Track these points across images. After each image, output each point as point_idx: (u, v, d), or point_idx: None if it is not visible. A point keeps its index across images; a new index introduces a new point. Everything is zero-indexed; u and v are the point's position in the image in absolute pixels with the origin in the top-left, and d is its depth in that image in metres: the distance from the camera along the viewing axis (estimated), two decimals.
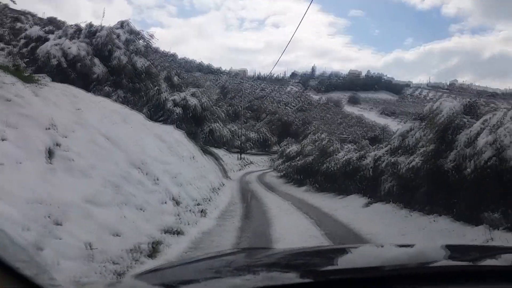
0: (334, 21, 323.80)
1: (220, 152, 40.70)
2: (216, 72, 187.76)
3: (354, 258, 1.35)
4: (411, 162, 9.57)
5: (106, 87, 13.22)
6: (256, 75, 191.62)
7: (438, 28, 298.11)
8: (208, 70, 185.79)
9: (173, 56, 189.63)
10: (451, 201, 7.88)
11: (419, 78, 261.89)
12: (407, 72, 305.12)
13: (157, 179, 7.07)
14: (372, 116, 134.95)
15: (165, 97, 17.62)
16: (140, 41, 13.76)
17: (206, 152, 25.63)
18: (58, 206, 4.25)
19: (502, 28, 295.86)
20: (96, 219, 4.67)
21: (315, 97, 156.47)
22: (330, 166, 16.10)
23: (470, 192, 7.13)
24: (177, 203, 7.25)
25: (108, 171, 5.98)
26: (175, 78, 19.35)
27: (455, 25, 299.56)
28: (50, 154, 5.16)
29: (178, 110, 17.41)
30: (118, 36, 12.58)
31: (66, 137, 5.93)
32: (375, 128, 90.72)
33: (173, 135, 12.48)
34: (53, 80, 9.30)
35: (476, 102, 9.84)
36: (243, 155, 53.29)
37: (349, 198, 13.87)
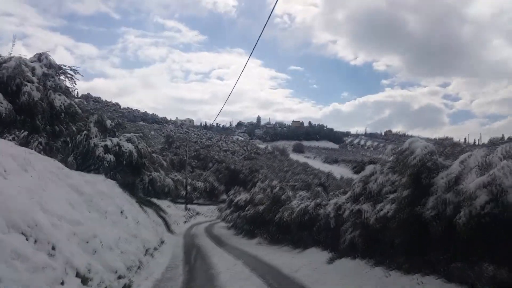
0: (276, 75, 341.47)
1: (164, 204, 37.70)
2: (162, 121, 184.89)
3: None
4: (380, 211, 8.25)
5: (16, 131, 10.88)
6: (202, 124, 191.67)
7: (371, 83, 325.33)
8: (153, 120, 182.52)
9: (116, 105, 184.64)
10: (438, 257, 6.51)
11: (356, 129, 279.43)
12: (345, 123, 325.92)
13: (53, 248, 4.94)
14: (317, 164, 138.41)
15: (94, 143, 15.33)
16: (62, 76, 11.72)
17: (145, 204, 22.99)
18: None
19: (427, 83, 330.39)
20: None
21: (261, 146, 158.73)
22: (283, 216, 14.47)
23: (464, 246, 5.80)
24: (85, 280, 5.12)
25: None
26: (108, 122, 17.14)
27: (386, 80, 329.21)
28: None
29: (109, 157, 15.11)
30: (33, 69, 10.53)
31: None
32: (320, 175, 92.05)
33: (97, 186, 10.24)
34: None
35: (444, 142, 8.91)
36: (189, 206, 50.28)
37: (307, 252, 12.18)
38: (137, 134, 18.31)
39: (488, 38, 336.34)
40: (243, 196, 26.40)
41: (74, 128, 13.46)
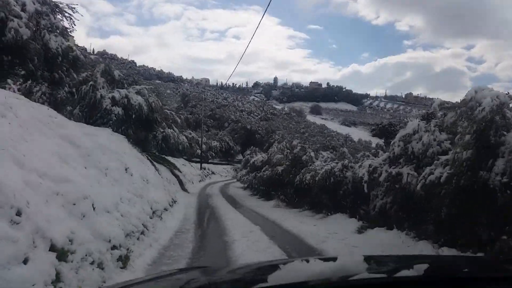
0: (294, 35, 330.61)
1: (178, 162, 37.01)
2: (177, 80, 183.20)
3: (284, 274, 1.37)
4: (429, 175, 6.84)
5: (19, 79, 9.65)
6: (218, 84, 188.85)
7: (392, 44, 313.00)
8: (168, 79, 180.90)
9: (132, 63, 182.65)
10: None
11: (376, 91, 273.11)
12: (364, 85, 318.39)
13: (18, 213, 3.77)
14: (334, 126, 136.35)
15: (101, 94, 14.11)
16: (59, 15, 10.25)
17: (159, 161, 22.11)
18: None
19: (450, 45, 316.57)
20: None
21: (278, 107, 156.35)
22: (305, 178, 13.22)
23: None
24: (62, 254, 3.98)
25: None
26: (116, 73, 15.78)
27: (408, 41, 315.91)
28: None
29: (117, 110, 13.92)
30: (23, 5, 9.11)
31: None
32: (339, 137, 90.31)
33: (99, 139, 9.07)
34: None
35: None
36: (205, 165, 49.72)
37: (331, 218, 11.01)
38: (147, 87, 16.97)
39: None
40: (259, 157, 25.26)
41: (76, 77, 12.16)
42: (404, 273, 1.27)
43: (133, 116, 14.31)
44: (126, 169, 8.93)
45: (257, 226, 10.03)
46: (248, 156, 33.67)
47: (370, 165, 9.10)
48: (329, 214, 11.41)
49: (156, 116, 16.41)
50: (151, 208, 8.91)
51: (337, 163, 11.73)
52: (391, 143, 8.92)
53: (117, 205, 6.55)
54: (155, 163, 19.28)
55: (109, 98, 14.15)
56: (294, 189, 15.10)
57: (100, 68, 15.42)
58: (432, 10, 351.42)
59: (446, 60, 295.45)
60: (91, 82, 14.59)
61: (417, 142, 8.27)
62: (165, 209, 10.68)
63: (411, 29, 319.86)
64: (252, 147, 40.74)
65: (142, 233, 6.99)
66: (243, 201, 19.36)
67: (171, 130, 21.32)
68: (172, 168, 24.67)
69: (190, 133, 24.52)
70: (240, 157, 67.37)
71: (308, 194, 13.57)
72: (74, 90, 14.02)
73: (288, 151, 16.36)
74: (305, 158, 14.57)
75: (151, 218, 8.45)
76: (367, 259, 1.45)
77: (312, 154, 14.74)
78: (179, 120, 23.67)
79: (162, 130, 21.07)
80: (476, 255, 5.43)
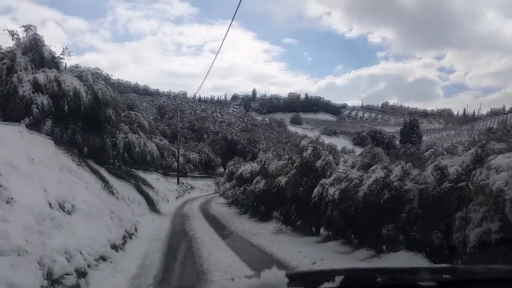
0: (270, 48, 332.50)
1: (150, 177, 31.88)
2: (154, 94, 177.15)
3: None
4: None
5: None
6: (197, 97, 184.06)
7: (366, 55, 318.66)
8: (144, 92, 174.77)
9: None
10: None
11: (352, 101, 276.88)
12: (340, 96, 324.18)
13: None
14: (316, 136, 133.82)
15: (18, 77, 9.40)
16: None
17: (121, 177, 17.23)
18: None
19: (421, 56, 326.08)
20: None
21: (258, 118, 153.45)
22: (327, 194, 8.70)
23: None
24: None
25: None
26: (46, 50, 11.03)
27: (381, 52, 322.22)
28: None
29: (41, 99, 9.22)
30: None
31: None
32: (324, 147, 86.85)
33: None
34: None
35: None
36: (183, 179, 44.64)
37: (393, 257, 6.50)
38: (97, 72, 12.18)
39: (480, 10, 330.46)
40: (247, 167, 20.66)
41: None
42: (324, 285, 1.37)
43: (66, 107, 9.55)
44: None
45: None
46: (232, 167, 28.96)
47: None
48: (384, 250, 6.88)
49: (109, 113, 11.66)
50: (80, 258, 4.18)
51: (388, 170, 7.26)
52: None
53: None
54: (112, 178, 14.47)
55: (29, 81, 9.38)
56: (303, 207, 10.67)
57: (22, 43, 10.63)
58: (402, 22, 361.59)
59: (418, 70, 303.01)
60: (6, 61, 9.81)
61: None
62: (103, 258, 5.92)
63: (383, 40, 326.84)
64: (235, 157, 36.17)
65: None
66: (232, 224, 14.70)
67: (136, 136, 16.57)
68: (139, 183, 19.78)
69: (162, 140, 19.68)
70: (221, 169, 62.54)
71: (324, 214, 9.08)
72: None
73: (296, 157, 11.86)
74: (320, 163, 10.10)
75: (76, 276, 3.75)
76: (288, 275, 1.47)
77: (331, 157, 10.29)
78: (146, 124, 18.82)
79: (124, 136, 16.29)
80: None
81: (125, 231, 8.72)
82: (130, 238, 8.80)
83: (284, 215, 12.62)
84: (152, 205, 18.42)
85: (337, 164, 10.39)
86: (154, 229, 11.97)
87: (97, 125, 11.56)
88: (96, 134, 11.55)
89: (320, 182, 9.30)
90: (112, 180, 14.32)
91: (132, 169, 23.81)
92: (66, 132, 10.63)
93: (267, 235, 11.38)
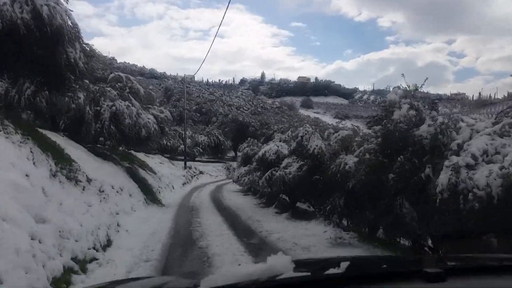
0: (277, 32, 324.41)
1: (153, 160, 27.71)
2: (161, 77, 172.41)
3: (217, 278, 1.39)
4: None
5: None
6: (204, 81, 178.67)
7: (375, 40, 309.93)
8: (151, 75, 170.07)
9: (112, 59, 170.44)
10: None
11: (362, 86, 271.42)
12: (349, 80, 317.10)
13: None
14: (327, 119, 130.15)
15: None
16: None
17: (105, 157, 12.97)
18: None
19: (431, 40, 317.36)
20: None
21: (268, 101, 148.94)
22: (471, 185, 4.34)
23: None
24: None
25: None
26: None
27: (390, 37, 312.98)
28: None
29: None
30: None
31: None
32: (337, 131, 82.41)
33: None
34: None
35: None
36: (191, 163, 40.44)
37: None
38: None
39: None
40: (272, 146, 16.18)
41: None
42: (328, 271, 1.35)
43: None
44: None
45: None
46: (248, 149, 24.48)
47: None
48: None
49: (73, 55, 7.25)
50: None
51: None
52: None
53: None
54: (92, 159, 10.27)
55: None
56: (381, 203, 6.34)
57: None
58: (412, 6, 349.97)
59: (428, 54, 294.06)
60: None
61: None
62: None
63: (393, 25, 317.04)
64: (249, 139, 31.80)
65: None
66: (259, 224, 10.42)
67: (127, 103, 12.24)
68: (135, 167, 15.51)
69: (162, 112, 15.30)
70: (231, 153, 58.39)
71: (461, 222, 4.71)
72: None
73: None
74: (427, 131, 5.68)
75: None
76: (294, 261, 1.45)
77: (446, 120, 5.85)
78: (142, 90, 14.40)
79: (111, 103, 11.99)
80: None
81: (101, 241, 4.42)
82: (106, 249, 4.52)
83: (334, 212, 8.22)
84: (150, 195, 14.22)
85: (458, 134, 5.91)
86: (145, 235, 7.68)
87: (54, 76, 7.21)
88: (50, 85, 7.29)
89: (448, 163, 4.88)
90: (89, 161, 10.05)
91: (130, 151, 19.63)
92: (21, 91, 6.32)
93: (325, 249, 7.11)
